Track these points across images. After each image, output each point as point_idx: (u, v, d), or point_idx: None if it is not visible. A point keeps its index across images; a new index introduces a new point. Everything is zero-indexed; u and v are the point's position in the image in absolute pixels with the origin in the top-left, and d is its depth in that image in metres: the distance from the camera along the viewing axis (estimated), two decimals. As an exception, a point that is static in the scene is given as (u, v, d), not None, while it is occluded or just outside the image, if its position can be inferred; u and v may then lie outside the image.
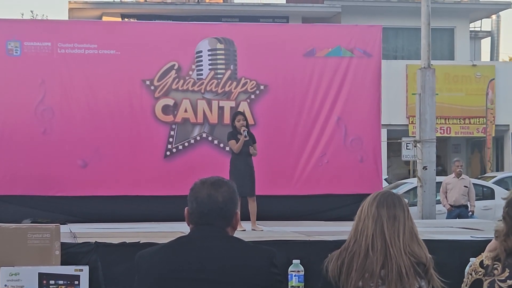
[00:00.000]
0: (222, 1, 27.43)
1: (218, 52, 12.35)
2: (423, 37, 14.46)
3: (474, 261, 3.28)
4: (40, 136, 11.75)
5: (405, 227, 3.22)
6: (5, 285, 5.29)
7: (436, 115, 14.62)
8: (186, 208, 2.97)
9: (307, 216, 11.78)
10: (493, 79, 24.47)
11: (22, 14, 43.19)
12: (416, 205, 14.30)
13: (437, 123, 15.87)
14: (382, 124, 13.04)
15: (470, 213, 14.27)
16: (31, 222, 9.25)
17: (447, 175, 16.61)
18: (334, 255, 3.26)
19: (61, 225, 5.72)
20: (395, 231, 3.21)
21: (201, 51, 12.29)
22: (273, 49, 12.41)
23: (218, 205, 2.91)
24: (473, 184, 15.20)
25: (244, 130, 9.97)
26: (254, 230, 9.92)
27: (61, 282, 5.43)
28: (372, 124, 12.58)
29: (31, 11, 49.40)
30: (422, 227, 8.91)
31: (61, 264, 5.51)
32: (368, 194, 3.38)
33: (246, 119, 10.25)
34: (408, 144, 16.14)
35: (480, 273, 3.19)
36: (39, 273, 5.40)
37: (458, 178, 14.37)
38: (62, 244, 5.62)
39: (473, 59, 27.52)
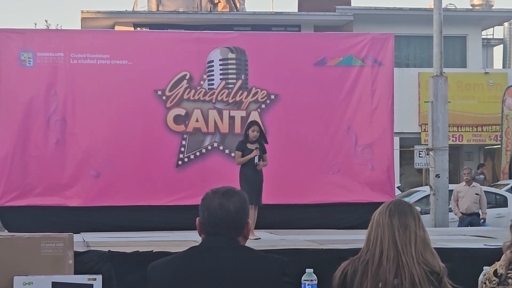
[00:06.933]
0: (228, 9, 27.48)
1: (229, 62, 12.38)
2: (435, 45, 14.44)
3: (488, 270, 3.27)
4: (52, 147, 11.80)
5: (416, 236, 3.21)
6: (19, 295, 5.30)
7: (448, 123, 14.58)
8: (197, 218, 2.98)
9: (320, 225, 11.77)
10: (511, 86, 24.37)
11: (35, 24, 43.45)
12: (429, 213, 14.25)
13: (449, 131, 15.80)
14: (395, 132, 13.02)
15: (482, 220, 14.20)
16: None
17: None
18: (346, 264, 3.26)
19: (74, 234, 5.72)
20: (407, 239, 3.20)
21: (212, 61, 12.32)
22: (284, 58, 12.44)
23: (229, 214, 2.91)
24: (486, 192, 15.12)
25: (256, 155, 10.02)
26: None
27: (74, 291, 5.44)
28: (384, 133, 12.57)
29: (46, 20, 49.66)
30: (435, 235, 8.89)
31: (75, 273, 5.52)
32: (381, 203, 3.38)
33: (261, 130, 10.27)
34: (420, 152, 16.11)
35: (494, 282, 3.18)
36: (52, 282, 5.40)
37: (469, 186, 14.31)
38: (75, 253, 5.63)
39: (486, 66, 27.43)
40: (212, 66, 12.33)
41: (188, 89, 12.26)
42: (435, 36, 14.47)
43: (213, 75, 12.33)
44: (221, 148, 12.30)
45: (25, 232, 6.26)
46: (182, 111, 12.26)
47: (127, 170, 11.93)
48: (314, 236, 9.93)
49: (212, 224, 2.91)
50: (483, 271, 4.80)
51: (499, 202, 17.13)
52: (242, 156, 10.14)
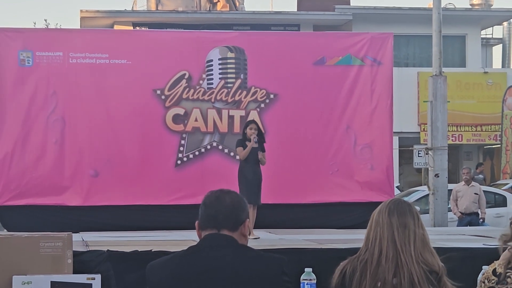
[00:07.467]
0: (228, 8, 27.47)
1: (228, 61, 12.37)
2: (435, 45, 14.45)
3: (486, 269, 3.26)
4: (51, 146, 11.80)
5: (415, 235, 3.21)
6: (18, 294, 5.30)
7: (447, 123, 14.58)
8: (196, 221, 2.98)
9: (319, 224, 11.78)
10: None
11: (35, 23, 43.42)
12: (428, 213, 14.25)
13: (448, 131, 15.82)
14: (394, 132, 13.02)
15: (481, 220, 14.21)
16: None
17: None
18: (345, 263, 3.26)
19: (73, 234, 5.72)
20: (406, 239, 3.20)
21: (211, 60, 12.32)
22: (283, 57, 12.43)
23: (226, 206, 2.92)
24: (486, 191, 15.13)
25: (254, 138, 9.99)
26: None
27: (73, 291, 5.43)
28: (383, 132, 12.57)
29: (45, 20, 49.62)
30: (434, 234, 8.89)
31: (74, 273, 5.52)
32: (380, 202, 3.37)
33: (258, 128, 10.27)
34: (419, 152, 16.09)
35: (493, 281, 3.17)
36: (51, 282, 5.40)
37: (468, 185, 14.31)
38: (75, 252, 5.63)
39: (485, 66, 27.43)
40: (211, 65, 12.32)
41: (187, 89, 12.25)
42: (434, 36, 14.47)
43: (212, 74, 12.32)
44: (220, 147, 12.29)
45: (24, 232, 6.26)
46: (181, 111, 12.25)
47: (126, 170, 11.93)
48: (313, 235, 9.94)
49: (209, 217, 2.92)
50: (482, 270, 4.80)
51: (498, 201, 17.14)
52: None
